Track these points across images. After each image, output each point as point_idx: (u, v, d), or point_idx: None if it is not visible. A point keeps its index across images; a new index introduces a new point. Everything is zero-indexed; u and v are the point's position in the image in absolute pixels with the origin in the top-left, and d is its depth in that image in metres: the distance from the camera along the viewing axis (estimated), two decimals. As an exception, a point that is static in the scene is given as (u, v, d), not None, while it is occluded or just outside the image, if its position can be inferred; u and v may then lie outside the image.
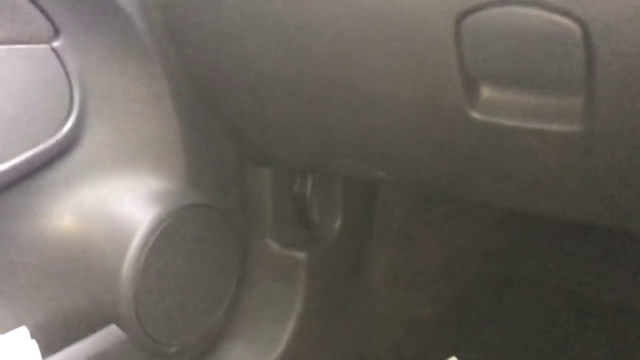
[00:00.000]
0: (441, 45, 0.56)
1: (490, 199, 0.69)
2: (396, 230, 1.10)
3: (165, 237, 0.75)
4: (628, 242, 0.99)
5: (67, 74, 0.70)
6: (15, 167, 0.66)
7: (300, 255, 0.96)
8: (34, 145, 0.68)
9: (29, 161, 0.67)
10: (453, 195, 0.78)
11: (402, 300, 1.11)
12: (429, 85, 0.60)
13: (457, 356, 1.01)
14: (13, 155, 0.66)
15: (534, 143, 0.58)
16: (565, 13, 0.48)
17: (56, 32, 0.70)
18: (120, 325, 0.74)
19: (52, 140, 0.70)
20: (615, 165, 0.55)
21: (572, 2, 0.48)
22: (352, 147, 0.73)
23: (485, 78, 0.58)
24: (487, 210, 1.13)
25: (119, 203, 0.75)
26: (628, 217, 0.59)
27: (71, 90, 0.71)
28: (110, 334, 0.74)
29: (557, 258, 1.15)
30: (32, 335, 0.71)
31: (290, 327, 0.96)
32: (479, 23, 0.53)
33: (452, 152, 0.64)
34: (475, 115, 0.59)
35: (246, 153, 0.90)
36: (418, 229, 1.11)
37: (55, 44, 0.69)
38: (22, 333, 0.70)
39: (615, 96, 0.50)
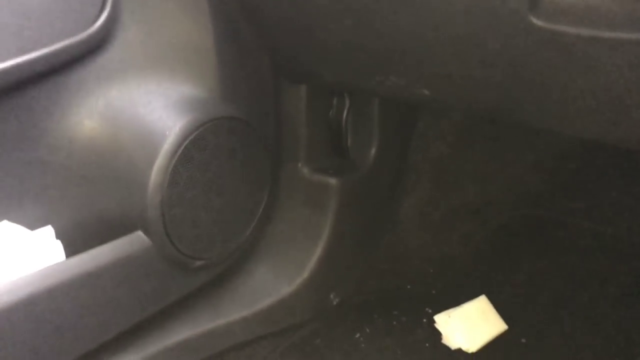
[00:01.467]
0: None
1: (543, 122, 0.64)
2: (433, 165, 1.06)
3: (195, 147, 0.73)
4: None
5: (100, -34, 0.67)
6: (44, 58, 0.64)
7: (332, 181, 0.93)
8: (66, 38, 0.66)
9: (59, 53, 0.65)
10: (502, 117, 0.73)
11: (432, 236, 1.08)
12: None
13: (487, 295, 0.98)
14: (43, 46, 0.64)
15: (603, 55, 0.52)
16: None
17: None
18: (146, 232, 0.72)
19: (83, 35, 0.67)
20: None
21: None
22: (397, 60, 0.68)
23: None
24: (528, 151, 1.08)
25: (150, 107, 0.72)
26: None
27: (104, -17, 0.68)
28: (135, 239, 0.72)
29: (593, 201, 1.10)
30: (58, 235, 0.70)
31: (316, 254, 0.94)
32: None
33: (506, 65, 0.59)
34: (536, 21, 0.54)
35: (283, 69, 0.86)
36: (456, 165, 1.07)
37: None
38: (47, 232, 0.69)
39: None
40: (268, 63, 0.85)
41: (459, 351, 0.91)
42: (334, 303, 0.99)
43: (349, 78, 0.79)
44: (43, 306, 0.64)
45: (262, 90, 0.86)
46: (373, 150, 0.96)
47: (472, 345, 0.91)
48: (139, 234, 0.73)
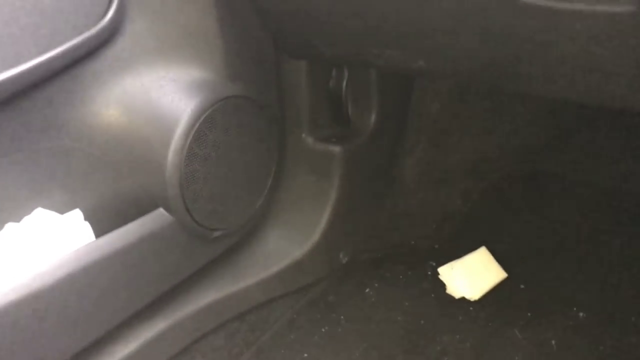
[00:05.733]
0: None
1: (530, 88, 0.68)
2: (431, 125, 1.11)
3: (206, 126, 0.78)
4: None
5: (106, -38, 0.70)
6: (61, 55, 0.68)
7: (335, 149, 0.98)
8: (79, 34, 0.70)
9: (73, 49, 0.69)
10: (492, 84, 0.78)
11: (433, 193, 1.14)
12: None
13: (487, 246, 1.04)
14: (59, 44, 0.68)
15: (581, 26, 0.57)
16: None
17: None
18: (167, 209, 0.78)
19: (94, 30, 0.71)
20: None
21: None
22: (392, 34, 0.73)
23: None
24: (522, 107, 1.13)
25: (162, 92, 0.77)
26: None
27: (111, -22, 0.71)
28: (158, 216, 0.78)
29: (589, 155, 1.15)
30: (86, 217, 0.76)
31: (325, 217, 1.00)
32: None
33: (495, 37, 0.63)
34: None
35: (283, 46, 0.90)
36: (453, 124, 1.11)
37: None
38: (77, 215, 0.75)
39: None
40: (269, 41, 0.89)
41: (463, 299, 0.98)
42: (344, 261, 1.06)
43: (347, 52, 0.83)
44: (80, 284, 0.70)
45: (265, 68, 0.90)
46: (373, 117, 1.01)
47: (474, 293, 0.98)
48: (161, 210, 0.79)
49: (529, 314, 0.94)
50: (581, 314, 0.93)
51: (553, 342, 0.89)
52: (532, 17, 0.58)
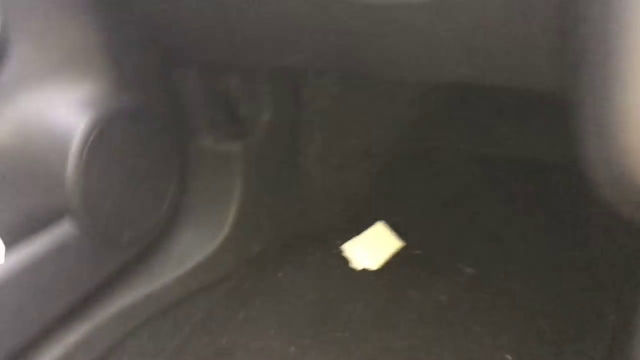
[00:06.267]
0: None
1: (380, 72, 0.78)
2: (324, 117, 1.20)
3: (100, 139, 0.83)
4: (523, 104, 1.12)
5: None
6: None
7: (235, 147, 1.05)
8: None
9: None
10: (351, 71, 0.87)
11: (334, 179, 1.23)
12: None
13: (386, 220, 1.14)
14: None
15: (400, 18, 0.66)
16: None
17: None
18: (73, 218, 0.83)
19: (-21, 59, 0.75)
20: (459, 30, 0.64)
21: None
22: (259, 41, 0.81)
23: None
24: (402, 91, 1.23)
25: (55, 111, 0.82)
26: (490, 72, 0.70)
27: (-10, 7, 0.75)
28: (64, 227, 0.83)
29: (464, 126, 1.28)
30: (-5, 236, 0.80)
31: (232, 212, 1.07)
32: None
33: (338, 36, 0.73)
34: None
35: (170, 56, 0.96)
36: (343, 113, 1.21)
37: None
38: (-15, 235, 0.79)
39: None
40: (156, 53, 0.95)
41: (365, 271, 1.08)
42: (256, 252, 1.13)
43: (228, 59, 0.90)
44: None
45: (154, 77, 0.96)
46: (267, 114, 1.09)
47: (374, 263, 1.08)
48: (66, 223, 0.83)
49: (422, 276, 1.04)
50: (468, 270, 1.05)
51: (443, 297, 0.99)
52: (360, 13, 0.67)
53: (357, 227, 1.17)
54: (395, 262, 1.09)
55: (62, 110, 0.83)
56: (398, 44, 0.70)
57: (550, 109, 0.85)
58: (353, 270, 1.08)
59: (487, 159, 1.26)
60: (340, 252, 1.12)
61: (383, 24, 0.67)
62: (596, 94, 0.46)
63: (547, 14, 0.57)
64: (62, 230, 0.83)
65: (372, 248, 1.10)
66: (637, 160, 0.40)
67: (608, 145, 0.43)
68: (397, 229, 1.14)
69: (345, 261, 1.11)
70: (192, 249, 1.05)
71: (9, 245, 0.80)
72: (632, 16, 0.41)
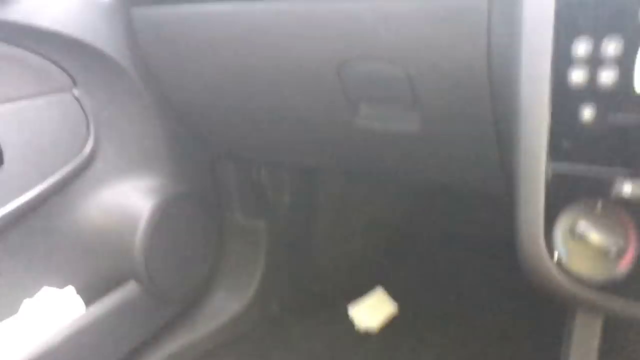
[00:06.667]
0: (332, 81, 0.89)
1: (378, 172, 1.03)
2: (333, 200, 1.45)
3: (162, 217, 1.08)
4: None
5: (84, 112, 1.01)
6: (55, 180, 0.98)
7: (261, 224, 1.30)
8: (65, 164, 1.00)
9: (63, 175, 0.99)
10: (354, 170, 1.13)
11: (340, 250, 1.47)
12: (326, 105, 0.93)
13: (384, 286, 1.37)
14: (53, 172, 0.98)
15: (392, 139, 0.92)
16: (396, 65, 0.82)
17: (74, 83, 1.00)
18: (137, 280, 1.07)
19: (77, 159, 1.01)
20: (439, 150, 0.90)
21: (398, 59, 0.81)
22: (286, 146, 1.07)
23: (361, 100, 0.91)
24: (394, 184, 1.49)
25: (129, 197, 1.07)
26: (454, 178, 0.95)
27: (88, 122, 1.02)
28: (130, 287, 1.07)
29: (438, 210, 1.52)
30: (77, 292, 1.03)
31: (257, 277, 1.31)
32: (351, 68, 0.86)
33: (346, 147, 0.99)
34: (357, 122, 0.93)
35: (215, 152, 1.22)
36: (348, 199, 1.46)
37: (75, 91, 1.00)
38: (70, 290, 1.03)
39: (432, 112, 0.84)
40: (205, 150, 1.21)
41: (366, 330, 1.29)
42: (276, 311, 1.36)
43: (260, 157, 1.17)
44: (76, 345, 0.97)
45: (203, 169, 1.22)
46: (287, 198, 1.34)
47: (375, 323, 1.30)
48: (132, 282, 1.07)
49: (412, 337, 1.26)
50: (452, 333, 1.26)
51: (430, 356, 1.21)
52: (364, 135, 0.93)
53: (360, 292, 1.39)
54: (391, 322, 1.31)
55: (134, 195, 1.08)
56: (391, 156, 0.95)
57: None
58: (356, 329, 1.30)
59: (471, 240, 1.48)
60: (346, 313, 1.34)
61: (381, 143, 0.93)
62: (516, 203, 0.69)
63: (491, 145, 0.82)
64: (128, 290, 1.07)
65: (372, 310, 1.31)
66: (526, 252, 0.63)
67: (518, 236, 0.66)
68: (393, 294, 1.36)
69: (350, 321, 1.32)
70: (224, 306, 1.28)
71: (87, 303, 1.04)
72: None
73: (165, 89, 1.07)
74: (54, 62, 0.98)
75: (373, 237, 1.51)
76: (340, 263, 1.47)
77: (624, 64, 0.56)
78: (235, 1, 0.89)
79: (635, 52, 0.56)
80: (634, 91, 0.56)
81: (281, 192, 1.34)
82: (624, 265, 0.58)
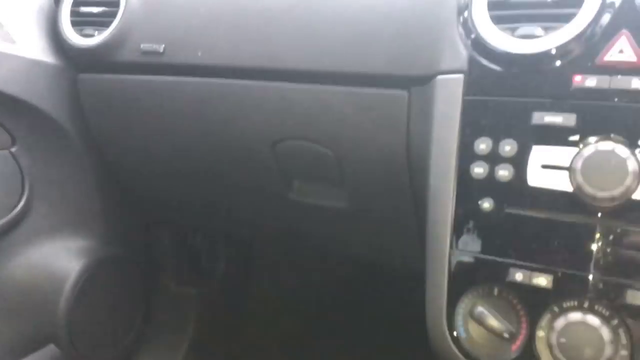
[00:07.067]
0: (267, 158, 0.93)
1: (307, 248, 1.06)
2: (268, 269, 1.47)
3: (89, 280, 1.07)
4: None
5: (20, 170, 1.02)
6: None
7: (192, 291, 1.30)
8: (-3, 220, 0.99)
9: (-7, 232, 0.98)
10: (289, 245, 1.16)
11: (273, 319, 1.47)
12: (262, 179, 0.97)
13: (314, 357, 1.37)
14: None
15: (323, 214, 0.96)
16: (325, 146, 0.87)
17: (13, 141, 1.01)
18: (57, 345, 1.04)
19: (10, 215, 1.01)
20: (366, 226, 0.94)
21: (328, 141, 0.86)
22: (222, 215, 1.10)
23: (295, 177, 0.96)
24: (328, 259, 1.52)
25: (57, 257, 1.06)
26: (381, 254, 0.99)
27: (23, 180, 1.02)
28: (49, 351, 1.04)
29: (374, 287, 1.55)
30: (-8, 354, 1.00)
31: (184, 346, 1.30)
32: (285, 147, 0.91)
33: (280, 219, 1.02)
34: (291, 196, 0.97)
35: (150, 216, 1.23)
36: (283, 268, 1.48)
37: (13, 149, 1.01)
38: (-14, 353, 0.99)
39: (357, 191, 0.89)
40: (139, 214, 1.22)
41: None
42: (202, 381, 1.33)
43: (193, 223, 1.19)
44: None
45: (135, 232, 1.22)
46: (221, 265, 1.35)
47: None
48: (52, 346, 1.04)
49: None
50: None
51: None
52: (297, 208, 0.97)
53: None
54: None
55: (62, 256, 1.07)
56: (322, 230, 0.99)
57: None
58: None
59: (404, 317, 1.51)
60: (273, 387, 1.33)
61: (313, 217, 0.97)
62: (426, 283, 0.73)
63: (411, 227, 0.87)
64: (47, 354, 1.04)
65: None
66: (431, 331, 0.67)
67: (426, 315, 0.70)
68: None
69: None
70: (147, 376, 1.25)
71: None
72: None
73: (105, 153, 1.09)
74: (-5, 120, 1.00)
75: (309, 311, 1.52)
76: (273, 337, 1.47)
77: (518, 162, 0.62)
78: (179, 75, 0.93)
79: (528, 153, 0.62)
80: (527, 184, 0.62)
81: (216, 259, 1.35)
82: (515, 349, 0.62)
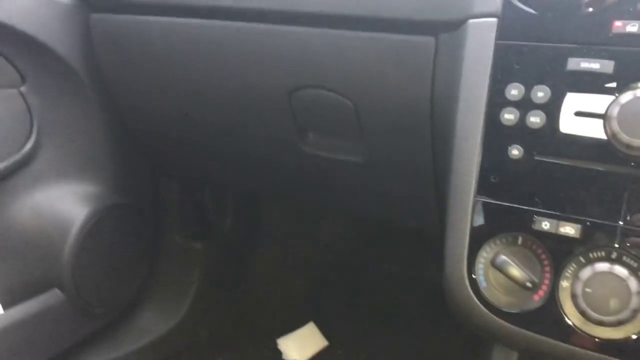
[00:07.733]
0: (282, 107, 0.91)
1: (319, 204, 1.05)
2: (275, 228, 1.45)
3: (96, 227, 1.05)
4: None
5: (29, 110, 0.99)
6: (-9, 175, 0.95)
7: (198, 245, 1.28)
8: (3, 160, 0.97)
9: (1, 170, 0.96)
10: (298, 198, 1.14)
11: (277, 283, 1.46)
12: (275, 130, 0.94)
13: (317, 321, 1.36)
14: (-11, 166, 0.95)
15: (338, 168, 0.94)
16: (344, 96, 0.84)
17: (23, 80, 0.99)
18: (61, 289, 1.03)
19: (17, 156, 0.99)
20: (381, 181, 0.92)
21: (347, 90, 0.84)
22: (232, 167, 1.07)
23: (310, 128, 0.93)
24: (337, 216, 1.51)
25: (63, 201, 1.05)
26: (394, 212, 0.97)
27: (31, 121, 1.00)
28: (53, 295, 1.03)
29: (381, 248, 1.54)
30: (-4, 295, 0.99)
31: (187, 300, 1.29)
32: (301, 96, 0.88)
33: (293, 173, 1.00)
34: (305, 149, 0.94)
35: (158, 167, 1.21)
36: (291, 227, 1.47)
37: (23, 89, 0.98)
38: (-12, 293, 0.98)
39: (376, 143, 0.87)
40: (148, 163, 1.20)
41: (293, 362, 1.28)
42: (203, 337, 1.33)
43: (202, 176, 1.17)
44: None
45: (144, 183, 1.20)
46: (228, 221, 1.34)
47: (302, 357, 1.28)
48: (56, 291, 1.03)
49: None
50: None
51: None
52: (311, 161, 0.95)
53: (292, 325, 1.37)
54: (320, 357, 1.30)
55: (69, 201, 1.06)
56: (336, 185, 0.97)
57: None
58: (284, 361, 1.29)
59: (408, 279, 1.50)
60: (275, 344, 1.32)
61: (327, 171, 0.95)
62: (444, 234, 0.71)
63: (429, 180, 0.85)
64: (51, 298, 1.03)
65: (301, 344, 1.30)
66: (449, 281, 0.65)
67: (444, 266, 0.68)
68: (325, 329, 1.36)
69: (278, 353, 1.30)
70: (151, 327, 1.25)
71: (5, 306, 0.99)
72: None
73: (115, 97, 1.06)
74: (5, 57, 0.97)
75: (314, 271, 1.51)
76: (277, 295, 1.46)
77: (551, 109, 0.60)
78: (194, 17, 0.90)
79: (562, 99, 0.60)
80: (559, 132, 0.60)
81: (223, 215, 1.33)
82: (538, 299, 0.60)
